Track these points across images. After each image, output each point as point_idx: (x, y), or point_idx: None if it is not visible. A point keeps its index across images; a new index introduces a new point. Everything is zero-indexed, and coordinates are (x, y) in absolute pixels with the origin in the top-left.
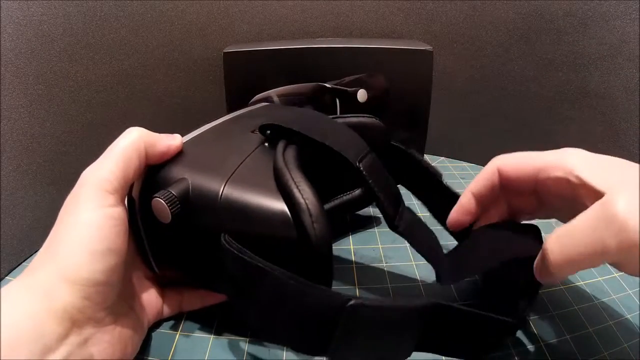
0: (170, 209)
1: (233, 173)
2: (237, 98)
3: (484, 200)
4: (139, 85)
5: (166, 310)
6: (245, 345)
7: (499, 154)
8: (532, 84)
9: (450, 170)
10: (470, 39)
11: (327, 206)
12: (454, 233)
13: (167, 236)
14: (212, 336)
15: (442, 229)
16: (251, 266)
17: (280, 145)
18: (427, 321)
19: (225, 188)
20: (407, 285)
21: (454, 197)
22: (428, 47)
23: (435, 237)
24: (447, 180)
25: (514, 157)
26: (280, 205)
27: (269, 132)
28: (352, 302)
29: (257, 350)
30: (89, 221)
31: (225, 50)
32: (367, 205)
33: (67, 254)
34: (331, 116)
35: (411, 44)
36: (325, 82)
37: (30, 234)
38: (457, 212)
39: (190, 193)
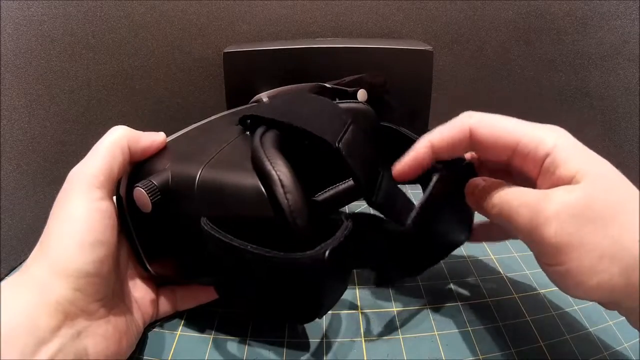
0: (150, 198)
1: (211, 159)
2: (237, 98)
3: (442, 157)
4: (139, 85)
5: (162, 310)
6: (245, 345)
7: None
8: (532, 84)
9: None
10: (470, 39)
11: (320, 197)
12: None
13: (153, 227)
14: (212, 336)
15: None
16: (230, 246)
17: (259, 130)
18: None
19: (202, 172)
20: (407, 284)
21: None
22: (428, 47)
23: (413, 205)
24: None
25: (491, 120)
26: (253, 181)
27: (249, 121)
28: (327, 251)
29: (257, 350)
30: (77, 214)
31: (225, 50)
32: (362, 196)
33: (57, 248)
34: None
35: (411, 44)
36: (325, 82)
37: (30, 234)
38: (408, 163)
39: (170, 181)
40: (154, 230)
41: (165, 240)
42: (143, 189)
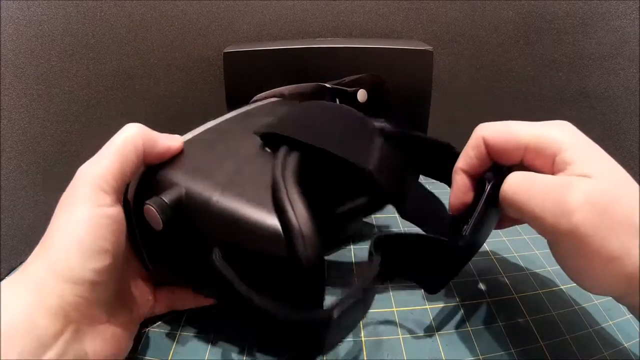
0: (161, 217)
1: (228, 180)
2: (237, 98)
3: (475, 173)
4: (139, 85)
5: (158, 308)
6: (245, 346)
7: None
8: (532, 84)
9: None
10: (470, 39)
11: (339, 210)
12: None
13: (161, 241)
14: (212, 336)
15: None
16: (236, 291)
17: (281, 153)
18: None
19: (218, 196)
20: (407, 284)
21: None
22: (428, 47)
23: (442, 205)
24: None
25: (500, 129)
26: (272, 221)
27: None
28: (336, 314)
29: (257, 351)
30: (83, 219)
31: (225, 50)
32: (380, 209)
33: (59, 251)
34: None
35: (411, 44)
36: (325, 82)
37: (30, 234)
38: (456, 196)
39: (184, 199)
40: (161, 243)
41: (171, 254)
42: (154, 207)
